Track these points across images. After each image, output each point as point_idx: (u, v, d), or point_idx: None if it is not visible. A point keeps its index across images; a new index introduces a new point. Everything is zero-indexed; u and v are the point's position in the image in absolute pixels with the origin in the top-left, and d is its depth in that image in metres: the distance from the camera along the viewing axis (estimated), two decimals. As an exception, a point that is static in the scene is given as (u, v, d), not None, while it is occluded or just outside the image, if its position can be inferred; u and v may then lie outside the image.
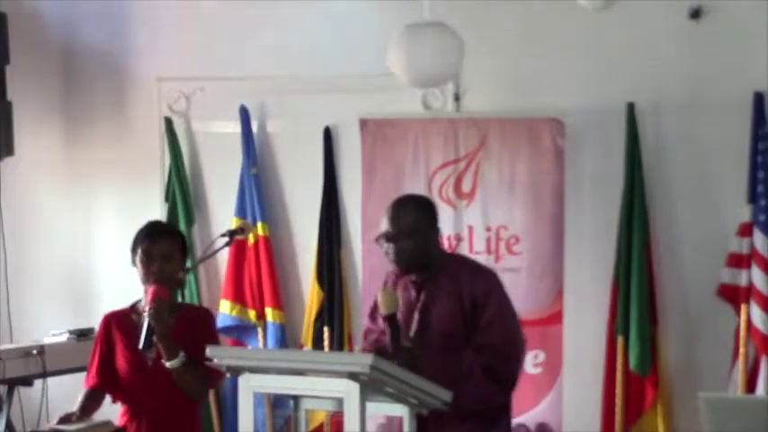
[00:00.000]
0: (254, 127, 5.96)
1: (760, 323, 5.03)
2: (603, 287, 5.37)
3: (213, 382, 3.83)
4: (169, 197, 6.06)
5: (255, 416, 3.25)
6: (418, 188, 5.33)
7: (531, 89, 5.57)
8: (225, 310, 5.87)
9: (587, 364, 5.41)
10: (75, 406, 3.73)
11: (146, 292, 3.72)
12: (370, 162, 5.54)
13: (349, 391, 3.00)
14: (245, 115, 5.90)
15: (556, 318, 5.31)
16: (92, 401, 3.78)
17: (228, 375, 3.25)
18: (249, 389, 3.20)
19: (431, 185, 5.45)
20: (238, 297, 5.86)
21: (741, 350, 5.09)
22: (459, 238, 5.42)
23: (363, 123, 5.55)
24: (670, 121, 5.39)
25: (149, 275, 3.71)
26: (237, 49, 5.97)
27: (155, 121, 6.12)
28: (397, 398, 3.19)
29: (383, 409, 3.29)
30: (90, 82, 6.33)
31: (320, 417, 5.58)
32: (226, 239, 4.17)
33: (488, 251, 5.39)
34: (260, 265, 5.83)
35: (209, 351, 3.25)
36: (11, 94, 5.94)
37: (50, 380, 5.16)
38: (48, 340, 5.30)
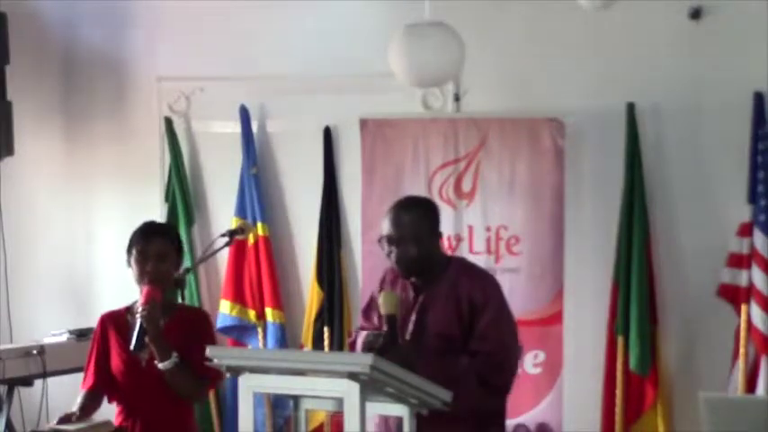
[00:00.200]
0: (254, 127, 5.96)
1: (760, 323, 5.03)
2: (603, 287, 5.36)
3: (207, 385, 3.83)
4: (169, 197, 6.06)
5: (255, 416, 3.24)
6: (418, 188, 5.33)
7: (531, 89, 5.57)
8: (225, 310, 5.87)
9: (587, 364, 5.41)
10: (74, 406, 3.74)
11: (141, 292, 3.72)
12: (370, 162, 5.54)
13: (349, 391, 3.00)
14: (245, 115, 5.90)
15: (556, 318, 5.31)
16: (91, 401, 3.79)
17: (228, 375, 3.25)
18: (249, 389, 3.19)
19: (431, 185, 5.45)
20: (238, 297, 5.86)
21: (741, 350, 5.09)
22: (459, 238, 5.42)
23: (363, 123, 5.55)
24: (670, 121, 5.39)
25: (143, 275, 3.71)
26: (237, 49, 5.97)
27: (155, 121, 6.12)
28: (397, 398, 3.19)
29: (383, 410, 3.29)
30: (90, 82, 6.32)
31: (320, 417, 5.58)
32: (226, 239, 4.17)
33: (488, 251, 5.40)
34: (260, 265, 5.83)
35: (209, 351, 3.25)
36: (11, 94, 5.93)
37: (50, 380, 5.16)
38: (48, 340, 5.31)
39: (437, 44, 4.78)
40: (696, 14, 5.29)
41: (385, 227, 3.71)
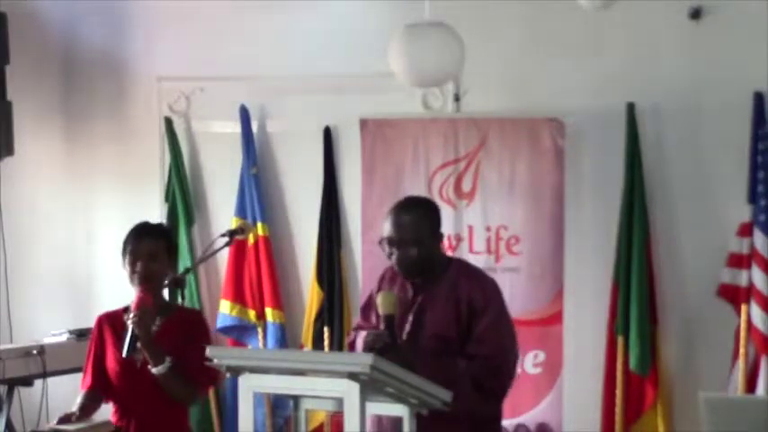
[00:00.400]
0: (254, 127, 5.96)
1: (760, 323, 5.03)
2: (603, 287, 5.37)
3: (203, 386, 3.82)
4: (169, 197, 6.06)
5: (255, 416, 3.24)
6: (418, 188, 5.34)
7: (531, 89, 5.57)
8: (225, 310, 5.87)
9: (587, 364, 5.41)
10: (74, 406, 3.73)
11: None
12: (370, 162, 5.55)
13: (349, 391, 3.00)
14: (245, 115, 5.90)
15: (556, 318, 5.31)
16: (91, 401, 3.79)
17: (228, 375, 3.25)
18: (249, 389, 3.19)
19: (431, 185, 5.45)
20: (238, 297, 5.86)
21: (741, 350, 5.09)
22: (459, 238, 5.42)
23: (363, 123, 5.55)
24: (670, 121, 5.39)
25: (134, 275, 3.72)
26: (237, 49, 5.97)
27: (155, 121, 6.12)
28: (397, 398, 3.19)
29: (383, 410, 3.29)
30: (90, 82, 6.33)
31: (320, 417, 5.58)
32: (226, 239, 4.17)
33: (488, 251, 5.40)
34: (260, 265, 5.83)
35: (209, 351, 3.25)
36: (11, 94, 5.93)
37: (50, 380, 5.16)
38: (48, 340, 5.31)
39: (437, 44, 4.78)
40: (696, 14, 5.30)
41: (386, 229, 3.69)
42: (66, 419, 3.63)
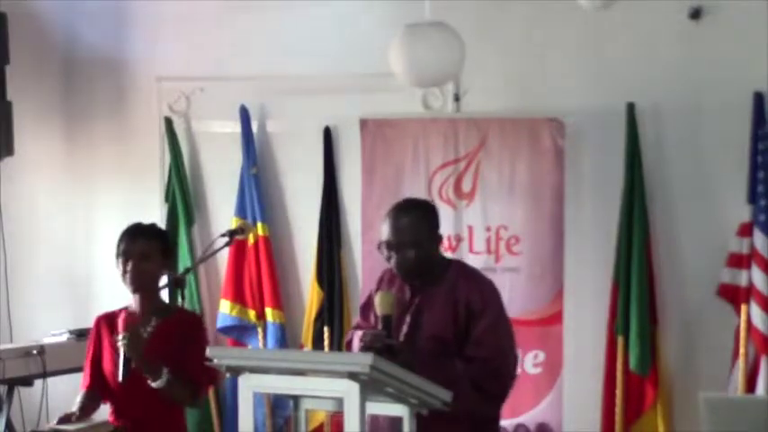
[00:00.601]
0: (254, 127, 5.96)
1: (760, 323, 5.03)
2: (603, 287, 5.36)
3: (203, 387, 3.81)
4: (169, 197, 6.06)
5: (255, 416, 3.25)
6: (418, 188, 5.34)
7: (531, 89, 5.57)
8: (225, 310, 5.87)
9: (587, 364, 5.41)
10: (74, 406, 3.74)
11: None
12: (370, 162, 5.54)
13: (349, 391, 3.00)
14: (245, 115, 5.90)
15: (556, 318, 5.31)
16: (91, 401, 3.79)
17: (228, 375, 3.25)
18: (249, 389, 3.19)
19: (431, 185, 5.45)
20: (238, 297, 5.86)
21: (741, 350, 5.09)
22: (459, 238, 5.42)
23: (363, 123, 5.55)
24: (670, 121, 5.39)
25: (125, 275, 3.71)
26: (237, 49, 5.97)
27: (155, 121, 6.12)
28: (397, 398, 3.19)
29: (383, 409, 3.29)
30: (90, 82, 6.32)
31: (320, 417, 5.58)
32: (226, 239, 4.17)
33: (488, 251, 5.40)
34: (260, 265, 5.83)
35: (209, 351, 3.25)
36: (11, 94, 5.93)
37: (50, 380, 5.16)
38: (48, 340, 5.31)
39: (437, 44, 4.78)
40: (696, 14, 5.30)
41: (384, 232, 3.66)
42: (65, 419, 3.64)
